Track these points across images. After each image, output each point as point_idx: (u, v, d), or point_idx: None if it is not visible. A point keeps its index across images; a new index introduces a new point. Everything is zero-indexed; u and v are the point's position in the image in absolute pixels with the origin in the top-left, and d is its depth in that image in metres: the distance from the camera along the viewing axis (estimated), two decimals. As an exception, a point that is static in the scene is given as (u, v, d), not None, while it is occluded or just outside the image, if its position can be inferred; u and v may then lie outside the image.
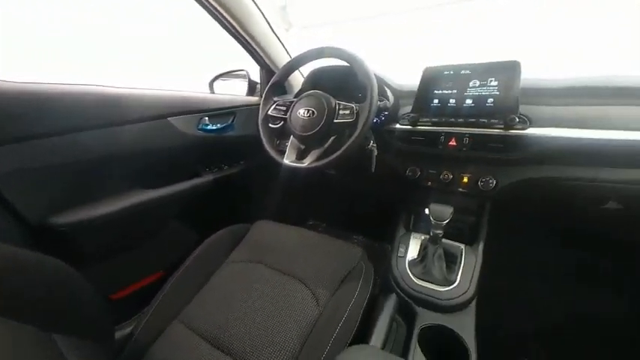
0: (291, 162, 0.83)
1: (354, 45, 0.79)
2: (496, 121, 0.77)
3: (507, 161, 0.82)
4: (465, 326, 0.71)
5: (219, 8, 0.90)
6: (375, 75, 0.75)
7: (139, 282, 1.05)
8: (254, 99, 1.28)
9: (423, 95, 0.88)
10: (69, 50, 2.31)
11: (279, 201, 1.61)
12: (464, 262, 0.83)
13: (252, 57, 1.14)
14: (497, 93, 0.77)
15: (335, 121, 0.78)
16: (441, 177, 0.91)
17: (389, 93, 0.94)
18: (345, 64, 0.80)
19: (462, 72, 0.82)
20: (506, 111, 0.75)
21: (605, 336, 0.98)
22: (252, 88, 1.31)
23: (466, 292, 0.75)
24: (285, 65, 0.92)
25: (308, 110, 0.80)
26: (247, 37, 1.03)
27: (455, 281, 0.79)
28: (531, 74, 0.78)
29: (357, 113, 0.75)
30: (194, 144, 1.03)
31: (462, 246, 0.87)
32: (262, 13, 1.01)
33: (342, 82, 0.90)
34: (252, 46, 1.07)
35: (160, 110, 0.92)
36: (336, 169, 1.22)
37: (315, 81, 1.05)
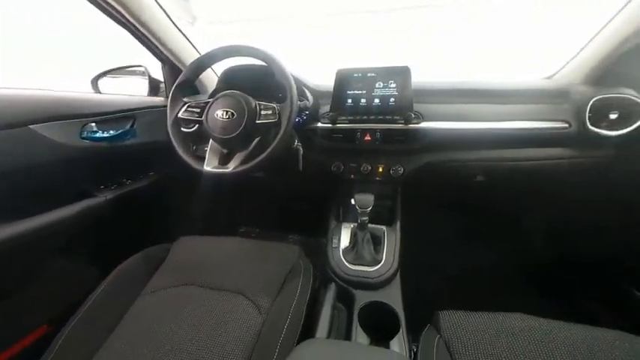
0: (214, 168, 0.77)
1: (265, 44, 0.77)
2: (398, 117, 0.91)
3: (410, 151, 0.98)
4: (393, 297, 0.82)
5: None
6: (292, 75, 0.76)
7: (18, 342, 0.78)
8: (158, 99, 1.11)
9: (338, 95, 0.95)
10: None
11: (203, 212, 1.46)
12: (386, 241, 0.94)
13: (150, 51, 0.99)
14: (397, 93, 0.91)
15: (257, 121, 0.76)
16: (361, 169, 1.01)
17: (308, 93, 0.97)
18: (261, 63, 0.78)
19: (369, 74, 0.92)
20: (405, 109, 0.90)
21: (492, 277, 1.29)
22: (154, 88, 1.13)
23: (391, 267, 0.86)
24: (193, 62, 0.83)
25: (226, 112, 0.75)
26: (140, 27, 0.88)
27: (382, 260, 0.89)
28: (421, 77, 0.94)
29: (279, 113, 0.75)
30: (78, 157, 0.83)
31: (384, 227, 0.99)
32: (157, 1, 0.89)
33: (260, 82, 0.88)
34: (147, 38, 0.92)
35: (18, 116, 0.69)
36: (264, 171, 1.20)
37: (231, 80, 1.00)
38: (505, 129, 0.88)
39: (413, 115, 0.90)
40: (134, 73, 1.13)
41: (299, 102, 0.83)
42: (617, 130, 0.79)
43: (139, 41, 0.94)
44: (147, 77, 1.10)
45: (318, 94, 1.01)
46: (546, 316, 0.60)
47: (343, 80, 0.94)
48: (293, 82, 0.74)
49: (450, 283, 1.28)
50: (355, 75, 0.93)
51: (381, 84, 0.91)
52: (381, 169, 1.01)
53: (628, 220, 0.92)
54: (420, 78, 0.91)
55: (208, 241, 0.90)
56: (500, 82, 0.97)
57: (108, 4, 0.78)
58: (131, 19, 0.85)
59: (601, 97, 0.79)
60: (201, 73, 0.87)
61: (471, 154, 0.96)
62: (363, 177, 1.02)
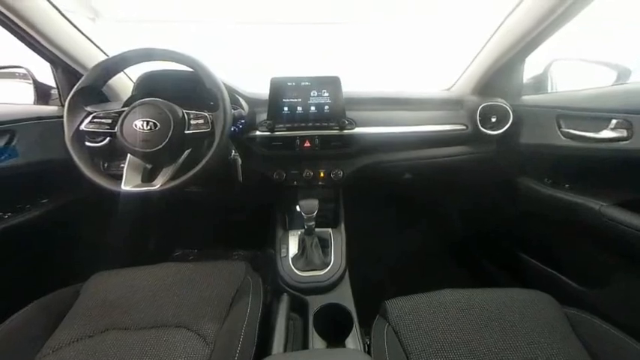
0: (136, 187, 0.66)
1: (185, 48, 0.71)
2: (333, 124, 0.97)
3: (348, 154, 1.04)
4: (345, 296, 0.85)
5: None
6: (223, 83, 0.72)
7: None
8: (50, 109, 0.90)
9: (274, 104, 0.95)
10: None
11: (125, 241, 1.24)
12: (333, 243, 0.98)
13: (33, 49, 0.80)
14: (330, 101, 0.96)
15: (187, 132, 0.69)
16: (303, 175, 1.02)
17: (242, 102, 0.94)
18: (185, 69, 0.72)
19: (303, 83, 0.95)
20: (339, 116, 0.96)
21: (424, 259, 1.48)
22: (43, 94, 0.92)
23: (339, 267, 0.90)
24: (100, 65, 0.71)
25: (147, 122, 0.66)
26: (17, 20, 0.71)
27: (330, 262, 0.91)
28: (351, 87, 1.02)
29: (212, 122, 0.70)
30: None
31: (330, 230, 1.03)
32: None
33: (186, 90, 0.81)
34: (26, 32, 0.75)
35: None
36: (199, 186, 1.09)
37: (151, 87, 0.88)
38: (422, 132, 1.03)
39: (347, 122, 0.97)
40: (11, 76, 0.90)
41: (233, 110, 0.80)
42: (496, 130, 1.01)
43: (17, 37, 0.75)
44: (30, 82, 0.89)
45: (252, 103, 0.99)
46: (467, 285, 0.72)
47: (278, 89, 0.94)
48: (224, 90, 0.70)
49: (393, 271, 1.40)
50: (289, 84, 0.94)
51: (316, 92, 0.95)
52: (322, 174, 1.04)
53: (510, 198, 1.18)
54: (349, 88, 0.99)
55: (131, 273, 0.76)
56: (414, 92, 1.13)
57: None
58: (3, 10, 0.67)
59: (485, 104, 1.00)
60: (109, 78, 0.74)
61: (398, 154, 1.08)
62: (306, 183, 1.04)
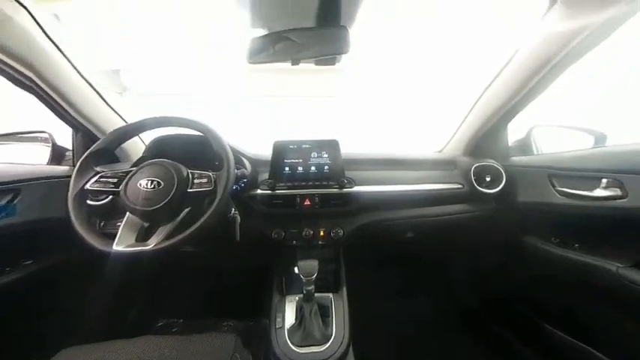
0: (128, 247, 0.64)
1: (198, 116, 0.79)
2: (333, 183, 1.00)
3: (347, 213, 1.04)
4: None
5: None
6: (229, 145, 0.77)
7: None
8: (61, 169, 0.94)
9: (276, 164, 1.00)
10: None
11: (103, 308, 1.13)
12: (335, 311, 0.88)
13: (59, 116, 0.88)
14: (330, 162, 1.01)
15: (189, 190, 0.71)
16: (303, 234, 1.00)
17: (246, 162, 0.99)
18: (196, 133, 0.78)
19: (304, 146, 1.02)
20: (338, 175, 1.00)
21: (430, 324, 1.34)
22: (58, 156, 0.97)
23: (342, 342, 0.79)
24: (117, 130, 0.78)
25: (152, 181, 0.68)
26: (49, 91, 0.79)
27: (332, 335, 0.81)
28: (349, 149, 1.09)
29: (215, 181, 0.72)
30: None
31: (331, 295, 0.94)
32: (72, 63, 0.83)
33: (194, 152, 0.86)
34: (57, 103, 0.83)
35: None
36: (195, 245, 1.05)
37: (161, 149, 0.94)
38: (419, 190, 1.06)
39: (346, 181, 1.00)
40: (33, 139, 0.97)
41: (237, 170, 0.83)
42: (492, 188, 1.04)
43: (47, 105, 0.83)
44: (50, 145, 0.95)
45: (256, 163, 1.04)
46: (482, 358, 0.62)
47: (281, 150, 1.01)
48: (230, 151, 0.75)
49: (400, 343, 1.24)
50: (291, 146, 1.01)
51: (316, 154, 1.01)
52: (322, 233, 1.02)
53: (518, 259, 1.12)
54: (347, 150, 1.06)
55: (105, 349, 0.67)
56: (408, 153, 1.19)
57: (11, 67, 0.70)
58: (39, 82, 0.76)
59: (477, 164, 1.06)
60: (124, 142, 0.80)
61: (398, 212, 1.08)
62: (306, 242, 1.01)
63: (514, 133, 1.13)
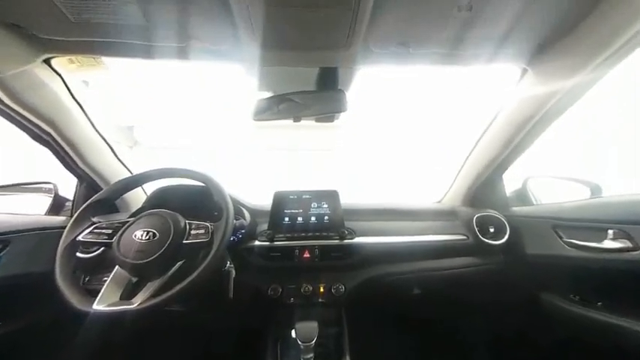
0: (110, 306, 0.59)
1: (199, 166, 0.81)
2: (333, 234, 0.97)
3: (349, 266, 0.98)
4: None
5: (23, 112, 0.70)
6: (230, 196, 0.78)
7: None
8: (57, 220, 0.93)
9: (276, 214, 0.99)
10: None
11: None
12: None
13: (66, 166, 0.90)
14: (330, 212, 1.00)
15: (185, 242, 0.68)
16: (302, 290, 0.93)
17: (245, 212, 0.98)
18: (198, 183, 0.80)
19: (304, 196, 1.02)
20: (338, 226, 0.98)
21: None
22: (57, 206, 0.97)
23: None
24: (121, 181, 0.79)
25: (147, 232, 0.67)
26: (62, 142, 0.82)
27: None
28: (349, 199, 1.09)
29: (213, 232, 0.70)
30: None
31: None
32: (91, 121, 0.88)
33: (194, 202, 0.86)
34: (69, 155, 0.86)
35: None
36: (183, 303, 0.97)
37: (162, 199, 0.94)
38: (422, 241, 1.02)
39: (346, 232, 0.97)
40: (37, 190, 0.98)
41: (235, 221, 0.82)
42: (497, 240, 1.01)
43: (57, 157, 0.86)
44: (52, 195, 0.96)
45: (255, 214, 1.03)
46: None
47: (281, 201, 1.01)
48: (230, 201, 0.75)
49: None
50: (291, 197, 1.02)
51: (316, 204, 1.01)
52: (322, 289, 0.95)
53: (537, 319, 1.01)
54: (347, 200, 1.06)
55: None
56: (408, 204, 1.19)
57: (34, 124, 0.75)
58: (57, 138, 0.80)
59: (478, 215, 1.05)
60: (126, 192, 0.81)
61: (402, 266, 1.02)
62: (304, 300, 0.93)
63: (509, 182, 1.16)
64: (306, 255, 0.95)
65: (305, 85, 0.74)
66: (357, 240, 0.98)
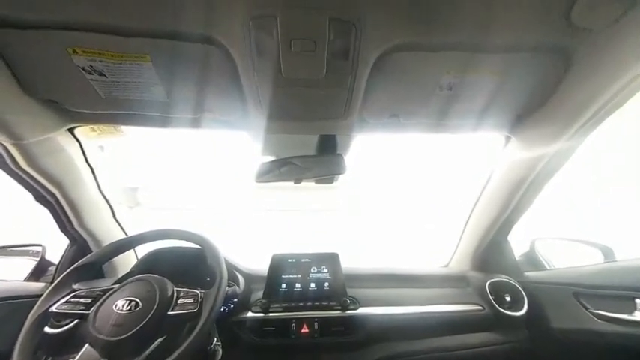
0: None
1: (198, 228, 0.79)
2: (334, 303, 0.88)
3: (354, 344, 0.86)
4: None
5: (33, 173, 0.71)
6: (225, 259, 0.74)
7: None
8: (35, 286, 0.85)
9: (272, 279, 0.92)
10: None
11: None
12: None
13: (61, 227, 0.87)
14: (330, 277, 0.93)
15: (170, 312, 0.61)
16: None
17: (239, 278, 0.91)
18: (194, 245, 0.76)
19: (303, 260, 0.97)
20: (339, 294, 0.90)
21: None
22: (40, 271, 0.91)
23: None
24: (112, 243, 0.76)
25: (130, 301, 0.60)
26: (64, 203, 0.81)
27: None
28: (351, 263, 1.03)
29: (202, 302, 0.64)
30: None
31: None
32: (98, 183, 0.88)
33: (187, 266, 0.81)
34: (67, 216, 0.84)
35: None
36: None
37: (152, 263, 0.89)
38: (434, 312, 0.92)
39: (349, 301, 0.89)
40: (25, 253, 0.93)
41: (228, 288, 0.76)
42: (516, 310, 0.91)
43: (54, 217, 0.84)
44: (38, 258, 0.91)
45: (250, 279, 0.96)
46: None
47: (278, 265, 0.95)
48: (224, 266, 0.71)
49: None
50: (290, 260, 0.97)
51: (315, 268, 0.95)
52: (322, 376, 0.81)
53: None
54: (348, 264, 1.00)
55: None
56: (414, 269, 1.12)
57: (41, 185, 0.76)
58: (60, 199, 0.80)
59: (491, 280, 0.97)
60: (117, 255, 0.77)
61: (415, 344, 0.89)
62: None
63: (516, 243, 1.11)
64: (305, 330, 0.84)
65: (306, 149, 0.80)
66: (361, 311, 0.89)
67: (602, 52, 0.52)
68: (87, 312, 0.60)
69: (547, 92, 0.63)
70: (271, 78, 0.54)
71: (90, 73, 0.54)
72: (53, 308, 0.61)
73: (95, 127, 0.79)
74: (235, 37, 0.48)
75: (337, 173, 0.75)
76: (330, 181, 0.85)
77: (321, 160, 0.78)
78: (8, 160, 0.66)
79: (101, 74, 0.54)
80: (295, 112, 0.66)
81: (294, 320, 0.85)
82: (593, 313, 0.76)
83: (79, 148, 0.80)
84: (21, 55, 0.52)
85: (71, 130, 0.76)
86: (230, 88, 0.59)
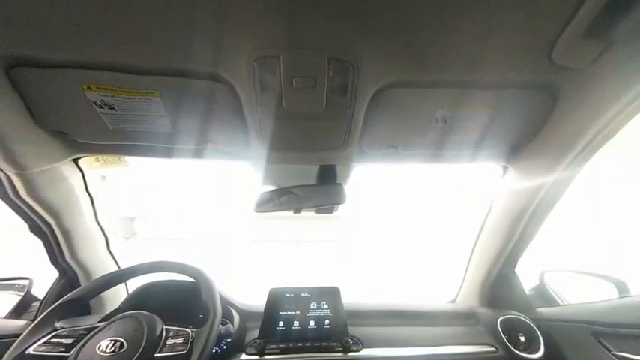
0: None
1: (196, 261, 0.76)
2: (335, 344, 0.82)
3: None
4: None
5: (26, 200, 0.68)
6: (220, 294, 0.70)
7: None
8: (15, 324, 0.80)
9: (269, 317, 0.86)
10: None
11: None
12: None
13: (52, 259, 0.83)
14: (331, 314, 0.88)
15: (157, 354, 0.57)
16: None
17: (234, 314, 0.86)
18: (188, 279, 0.73)
19: (302, 294, 0.92)
20: (340, 333, 0.84)
21: None
22: (23, 307, 0.86)
23: None
24: (102, 277, 0.73)
25: (114, 341, 0.56)
26: (59, 233, 0.79)
27: None
28: (352, 298, 0.97)
29: (192, 342, 0.59)
30: None
31: None
32: (94, 206, 0.86)
33: (179, 302, 0.77)
34: (58, 244, 0.81)
35: None
36: None
37: (142, 298, 0.84)
38: (442, 354, 0.85)
39: (351, 341, 0.82)
40: (10, 287, 0.89)
41: (221, 325, 0.71)
42: (533, 353, 0.84)
43: (46, 248, 0.81)
44: (24, 293, 0.86)
45: (245, 316, 0.90)
46: None
47: (276, 300, 0.90)
48: (218, 302, 0.67)
49: None
50: (288, 295, 0.92)
51: (315, 304, 0.90)
52: None
53: None
54: (350, 299, 0.94)
55: None
56: (419, 305, 1.05)
57: (38, 214, 0.74)
58: (55, 229, 0.78)
59: (502, 318, 0.91)
60: (106, 290, 0.73)
61: None
62: None
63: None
64: (303, 376, 0.77)
65: (306, 179, 0.80)
66: (365, 353, 0.82)
67: (586, 88, 0.55)
68: (66, 354, 0.55)
69: (538, 125, 0.65)
70: (273, 111, 0.56)
71: (100, 107, 0.57)
72: (30, 350, 0.56)
73: (99, 157, 0.81)
74: (240, 74, 0.51)
75: (337, 203, 0.74)
76: (330, 210, 0.85)
77: (321, 189, 0.78)
78: (9, 190, 0.66)
79: (111, 108, 0.57)
80: (296, 143, 0.67)
81: None
82: (616, 356, 0.70)
83: (81, 178, 0.81)
84: (37, 91, 0.54)
85: (75, 160, 0.77)
86: (233, 121, 0.62)
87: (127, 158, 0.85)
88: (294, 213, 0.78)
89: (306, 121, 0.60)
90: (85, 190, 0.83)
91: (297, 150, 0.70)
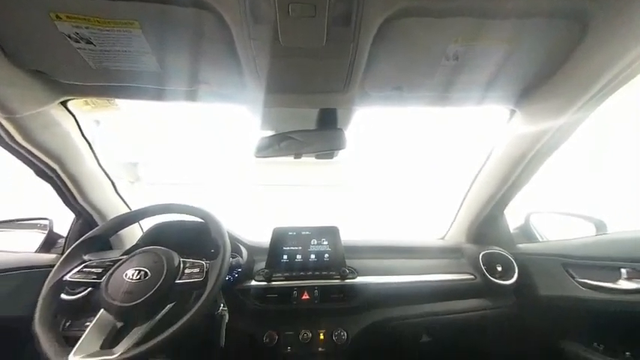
0: (88, 357, 0.53)
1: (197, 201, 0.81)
2: (334, 273, 0.93)
3: (351, 310, 0.92)
4: None
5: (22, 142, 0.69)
6: (228, 232, 0.76)
7: None
8: (46, 257, 0.89)
9: (274, 252, 0.96)
10: None
11: None
12: None
13: (65, 202, 0.89)
14: (330, 249, 0.97)
15: (178, 281, 0.65)
16: (300, 338, 0.85)
17: (242, 249, 0.95)
18: (197, 219, 0.78)
19: (303, 233, 1.00)
20: (339, 264, 0.94)
21: None
22: (49, 243, 0.94)
23: None
24: (118, 217, 0.78)
25: (139, 271, 0.63)
26: (65, 178, 0.82)
27: None
28: (350, 236, 1.06)
29: (207, 272, 0.67)
30: None
31: None
32: (97, 158, 0.88)
33: (191, 239, 0.84)
34: (70, 191, 0.85)
35: None
36: (170, 353, 0.88)
37: (157, 236, 0.92)
38: (427, 281, 0.97)
39: (347, 271, 0.93)
40: (32, 226, 0.96)
41: (232, 259, 0.79)
42: (506, 279, 0.96)
43: (58, 192, 0.86)
44: (47, 231, 0.94)
45: (252, 251, 1.00)
46: None
47: (279, 237, 0.98)
48: (227, 238, 0.73)
49: None
50: (290, 233, 1.00)
51: (315, 241, 0.98)
52: (322, 336, 0.87)
53: None
54: (348, 237, 1.03)
55: None
56: (411, 241, 1.16)
57: (41, 160, 0.76)
58: (61, 174, 0.80)
59: (484, 252, 1.01)
60: (122, 229, 0.79)
61: (408, 309, 0.95)
62: (303, 349, 0.85)
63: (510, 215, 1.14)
64: (305, 296, 0.89)
65: (305, 124, 0.78)
66: (360, 280, 0.94)
67: (621, 18, 0.48)
68: (98, 281, 0.63)
69: (558, 61, 0.60)
70: (269, 47, 0.51)
71: (77, 42, 0.51)
72: (67, 277, 0.64)
73: (89, 100, 0.77)
74: (229, 0, 0.45)
75: (337, 148, 0.74)
76: (330, 156, 0.85)
77: (322, 134, 0.76)
78: (4, 135, 0.65)
79: (89, 42, 0.52)
80: (294, 84, 0.63)
81: (295, 288, 0.90)
82: (578, 282, 0.80)
83: (75, 122, 0.79)
84: (3, 24, 0.48)
85: (65, 104, 0.74)
86: (226, 58, 0.57)
87: (118, 101, 0.81)
88: (295, 158, 0.79)
89: (305, 59, 0.55)
90: (81, 135, 0.82)
91: (295, 92, 0.66)
